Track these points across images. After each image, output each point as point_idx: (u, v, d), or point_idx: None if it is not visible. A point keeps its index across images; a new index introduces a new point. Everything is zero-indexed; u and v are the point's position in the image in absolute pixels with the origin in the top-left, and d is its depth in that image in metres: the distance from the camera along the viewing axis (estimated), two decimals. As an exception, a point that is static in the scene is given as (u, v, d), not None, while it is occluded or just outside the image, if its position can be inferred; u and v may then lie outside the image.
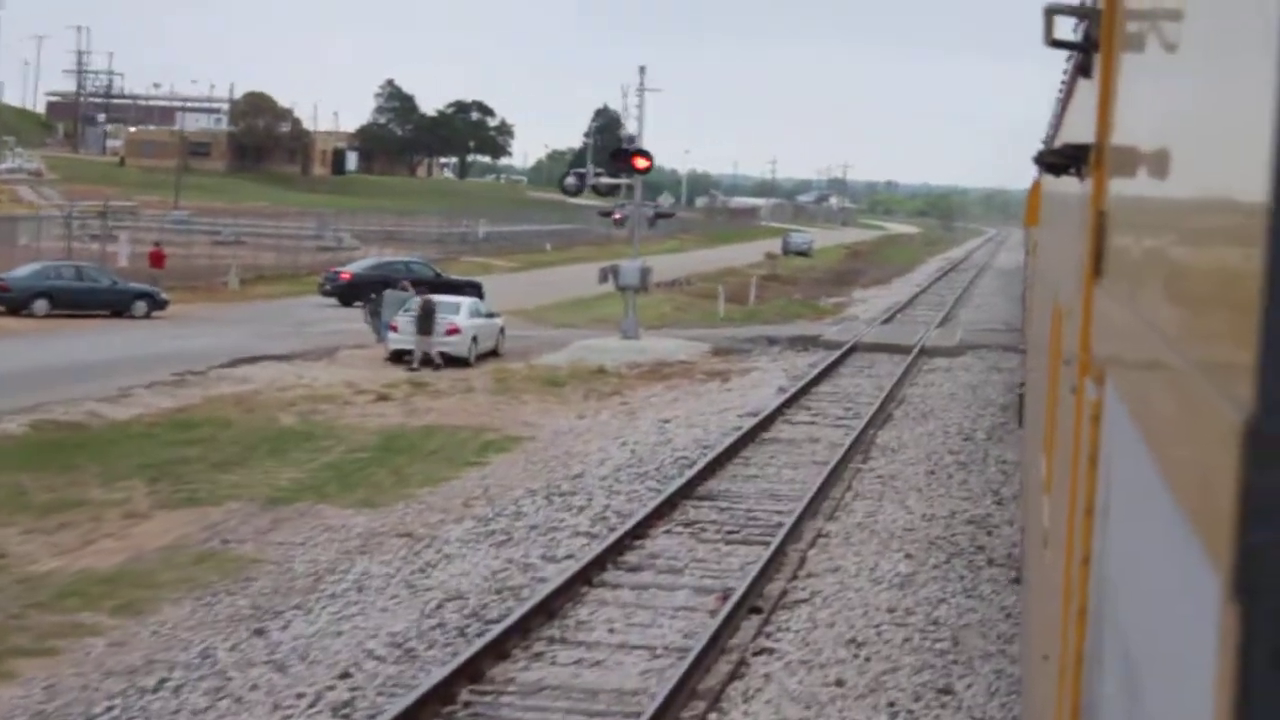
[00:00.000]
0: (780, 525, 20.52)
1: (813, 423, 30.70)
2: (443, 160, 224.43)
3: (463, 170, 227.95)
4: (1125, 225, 2.99)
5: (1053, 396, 7.18)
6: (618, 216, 47.37)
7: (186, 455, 25.78)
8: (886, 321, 57.11)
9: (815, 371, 38.58)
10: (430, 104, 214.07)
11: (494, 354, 42.70)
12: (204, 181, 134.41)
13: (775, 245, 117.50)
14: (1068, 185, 6.45)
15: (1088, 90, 4.97)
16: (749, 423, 29.49)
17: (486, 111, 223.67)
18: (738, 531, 20.67)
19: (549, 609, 16.48)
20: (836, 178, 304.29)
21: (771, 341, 45.76)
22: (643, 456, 26.63)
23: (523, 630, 15.65)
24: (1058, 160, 5.29)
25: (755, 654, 15.50)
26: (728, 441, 27.16)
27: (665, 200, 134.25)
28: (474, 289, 57.65)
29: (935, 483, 24.99)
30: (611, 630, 16.21)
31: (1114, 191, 3.45)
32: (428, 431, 29.85)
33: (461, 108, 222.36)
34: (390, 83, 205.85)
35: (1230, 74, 1.58)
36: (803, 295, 73.79)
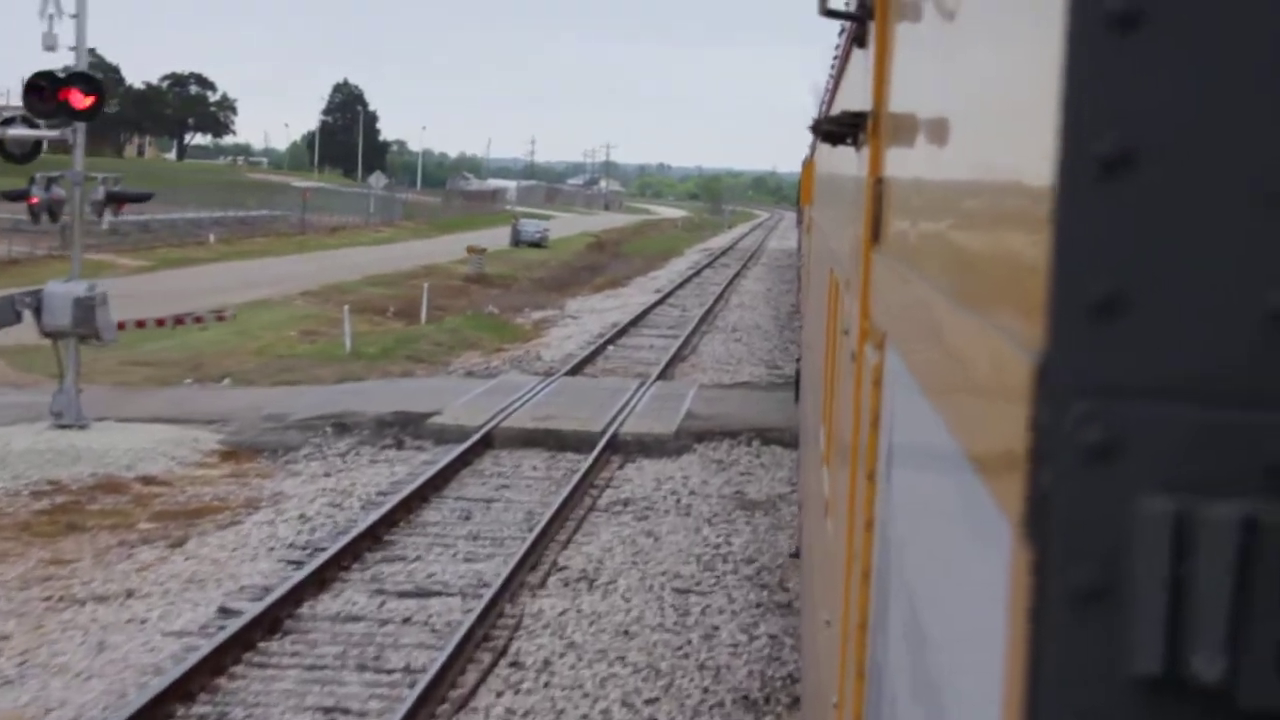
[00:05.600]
0: None
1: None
2: (151, 140, 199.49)
3: (180, 150, 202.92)
4: (903, 191, 2.97)
5: (830, 368, 7.29)
6: (33, 200, 26.50)
7: None
8: (582, 365, 35.61)
9: (374, 516, 18.76)
10: (140, 76, 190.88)
11: None
12: None
13: (507, 234, 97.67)
14: (844, 156, 6.35)
15: (863, 60, 4.92)
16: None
17: (206, 85, 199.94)
18: None
19: None
20: (604, 160, 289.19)
21: (341, 428, 24.88)
22: None
23: None
24: (834, 129, 5.23)
25: None
26: None
27: (377, 181, 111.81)
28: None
29: None
30: None
31: (890, 158, 3.41)
32: None
33: (177, 80, 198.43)
34: (92, 52, 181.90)
35: (1004, 41, 1.62)
36: (501, 307, 54.02)
